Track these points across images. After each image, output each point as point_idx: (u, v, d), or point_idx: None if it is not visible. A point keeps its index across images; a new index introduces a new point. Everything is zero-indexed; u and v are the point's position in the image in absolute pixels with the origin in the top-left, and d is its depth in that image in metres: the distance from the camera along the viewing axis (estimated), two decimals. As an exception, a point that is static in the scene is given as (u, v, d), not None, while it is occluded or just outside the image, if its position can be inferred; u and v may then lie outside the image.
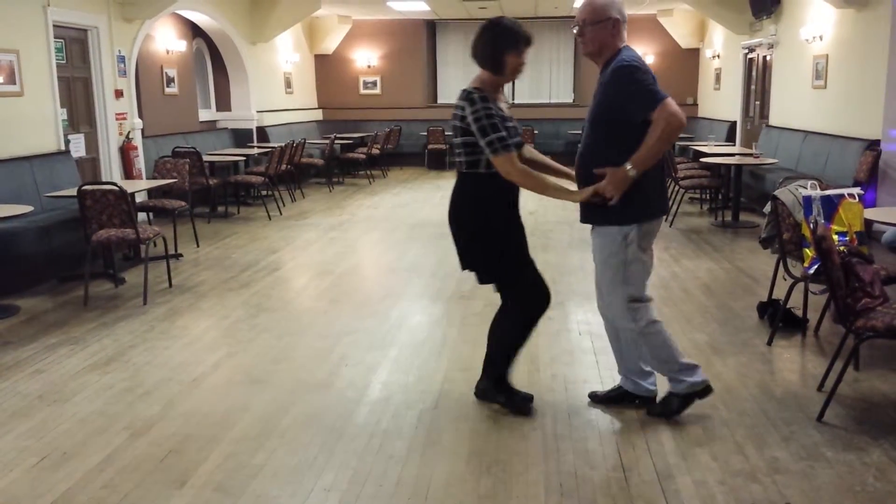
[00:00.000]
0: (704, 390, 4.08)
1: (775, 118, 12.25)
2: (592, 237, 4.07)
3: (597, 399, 4.34)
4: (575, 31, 3.91)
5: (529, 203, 11.68)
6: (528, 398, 4.29)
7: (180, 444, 3.89)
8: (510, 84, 17.99)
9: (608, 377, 4.71)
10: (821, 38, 10.38)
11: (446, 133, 16.64)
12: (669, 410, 4.10)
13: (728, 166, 10.14)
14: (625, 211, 3.81)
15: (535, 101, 18.17)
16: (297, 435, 3.99)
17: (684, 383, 4.05)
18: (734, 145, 13.55)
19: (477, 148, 3.88)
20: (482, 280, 4.25)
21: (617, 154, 3.72)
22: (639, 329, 3.99)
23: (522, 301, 4.21)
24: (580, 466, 3.62)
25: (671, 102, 3.67)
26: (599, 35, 3.81)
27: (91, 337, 5.64)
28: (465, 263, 4.18)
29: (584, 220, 4.09)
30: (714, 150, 11.43)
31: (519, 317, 4.23)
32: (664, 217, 4.10)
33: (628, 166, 3.68)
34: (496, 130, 3.80)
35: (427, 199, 12.48)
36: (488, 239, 4.08)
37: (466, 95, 3.87)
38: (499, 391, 4.29)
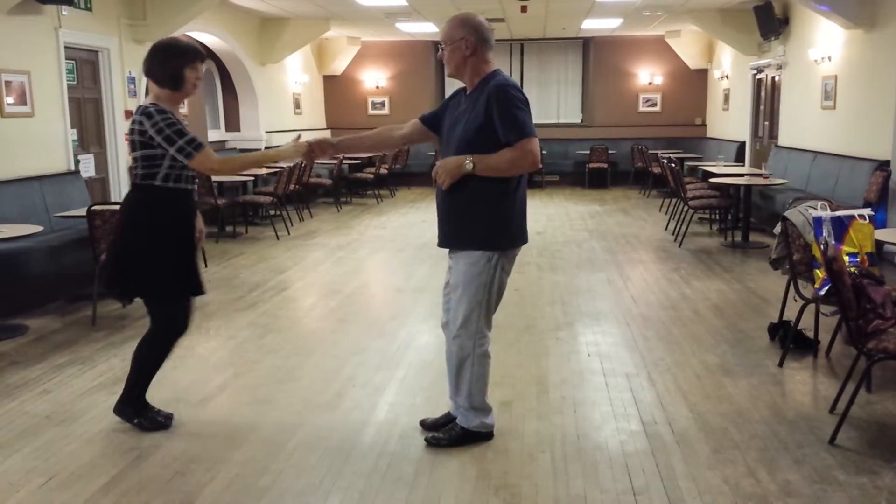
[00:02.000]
0: (488, 435, 4.10)
1: (784, 139, 12.24)
2: (455, 260, 3.97)
3: (426, 426, 4.23)
4: (437, 55, 4.03)
5: (538, 224, 11.74)
6: (168, 415, 4.37)
7: (186, 466, 3.87)
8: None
9: (618, 399, 4.68)
10: (829, 58, 10.38)
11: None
12: (451, 439, 4.05)
13: (737, 187, 10.12)
14: (491, 238, 3.81)
15: (543, 122, 18.19)
16: (304, 456, 3.97)
17: (478, 422, 4.04)
18: (743, 166, 13.54)
19: (154, 161, 4.03)
20: (130, 294, 4.39)
21: (480, 179, 3.76)
22: (476, 354, 3.94)
23: (169, 322, 4.31)
24: (589, 489, 3.58)
25: (536, 143, 3.73)
26: (454, 56, 3.87)
27: (99, 357, 5.63)
28: (118, 275, 4.22)
29: (443, 244, 4.05)
30: (723, 170, 11.41)
31: (160, 338, 4.32)
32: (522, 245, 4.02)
33: (469, 159, 3.71)
34: (182, 135, 3.99)
35: (435, 219, 12.47)
36: (158, 252, 4.15)
37: (143, 111, 4.01)
38: (136, 412, 4.34)
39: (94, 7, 9.08)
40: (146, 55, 4.14)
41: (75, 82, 9.00)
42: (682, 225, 10.17)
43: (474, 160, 3.70)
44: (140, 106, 4.08)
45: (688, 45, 16.81)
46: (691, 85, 17.57)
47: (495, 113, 3.70)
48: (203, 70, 4.22)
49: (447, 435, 4.07)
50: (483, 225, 3.80)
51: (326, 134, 17.83)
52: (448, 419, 4.20)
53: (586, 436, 4.18)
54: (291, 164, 11.96)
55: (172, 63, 4.07)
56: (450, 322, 3.98)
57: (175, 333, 4.31)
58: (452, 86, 20.21)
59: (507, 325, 6.36)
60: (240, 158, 4.43)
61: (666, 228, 11.11)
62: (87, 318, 6.58)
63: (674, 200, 11.62)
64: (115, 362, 5.50)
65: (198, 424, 4.40)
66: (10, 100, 7.67)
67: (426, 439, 4.09)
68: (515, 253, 3.96)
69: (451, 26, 3.91)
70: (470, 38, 3.82)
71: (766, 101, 13.40)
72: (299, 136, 4.30)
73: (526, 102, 3.78)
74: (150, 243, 4.12)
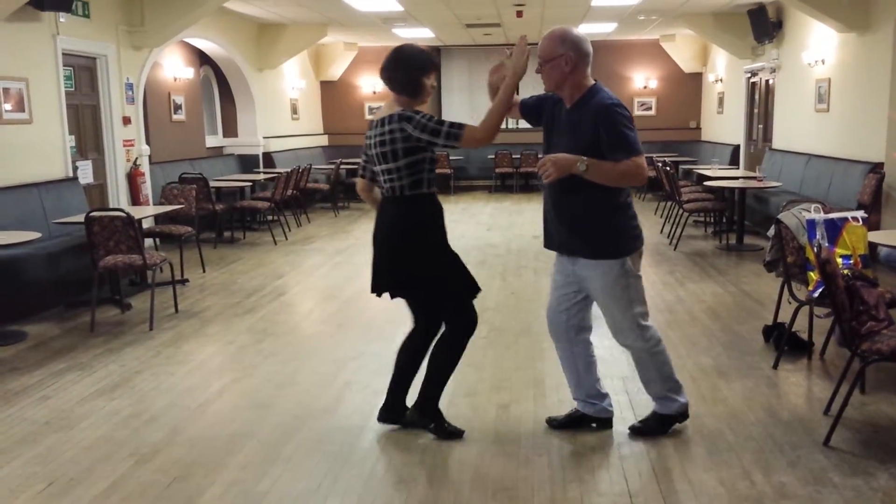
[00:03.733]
0: (685, 413, 4.23)
1: (778, 141, 12.29)
2: (585, 270, 4.00)
3: (555, 424, 4.33)
4: (535, 70, 4.03)
5: (534, 227, 11.75)
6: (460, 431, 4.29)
7: (186, 471, 3.89)
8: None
9: (614, 401, 4.68)
10: (823, 62, 10.43)
11: (450, 157, 16.72)
12: (652, 430, 4.19)
13: (732, 189, 10.16)
14: (620, 247, 3.91)
15: (539, 127, 18.17)
16: (302, 461, 3.99)
17: (676, 403, 4.16)
18: (738, 168, 13.58)
19: (420, 167, 3.98)
20: (417, 302, 4.29)
21: (595, 187, 3.79)
22: (648, 348, 4.05)
23: (462, 323, 4.20)
24: (586, 493, 3.61)
25: (644, 160, 3.81)
26: (553, 73, 3.92)
27: (97, 363, 5.65)
28: (403, 286, 4.18)
29: (563, 251, 4.09)
30: (718, 173, 11.45)
31: (460, 341, 4.23)
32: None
33: (583, 161, 3.72)
34: (443, 122, 3.97)
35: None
36: (445, 258, 4.13)
37: (400, 117, 3.98)
38: (430, 417, 4.30)
39: (92, 14, 9.11)
40: (387, 62, 4.15)
41: (73, 89, 9.01)
42: (677, 228, 10.20)
43: (588, 163, 3.71)
44: (389, 116, 4.02)
45: (682, 49, 16.86)
46: (686, 88, 17.62)
47: (603, 132, 3.74)
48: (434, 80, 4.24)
49: (646, 426, 4.21)
50: (611, 235, 3.89)
51: (324, 139, 17.88)
52: (575, 415, 4.30)
53: (583, 439, 4.20)
54: (289, 170, 12.00)
55: (413, 73, 4.10)
56: (609, 330, 4.12)
57: (473, 328, 4.21)
58: (449, 91, 20.13)
59: (504, 328, 6.39)
60: (493, 112, 4.20)
61: (661, 231, 11.14)
62: (86, 325, 6.60)
63: (669, 203, 11.66)
64: (114, 368, 5.52)
65: (197, 429, 4.42)
66: (7, 106, 7.69)
67: (632, 429, 4.24)
68: (642, 250, 4.04)
69: (549, 43, 3.93)
70: (570, 54, 3.84)
71: (761, 104, 13.44)
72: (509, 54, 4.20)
73: (631, 120, 3.79)
74: (438, 251, 4.11)
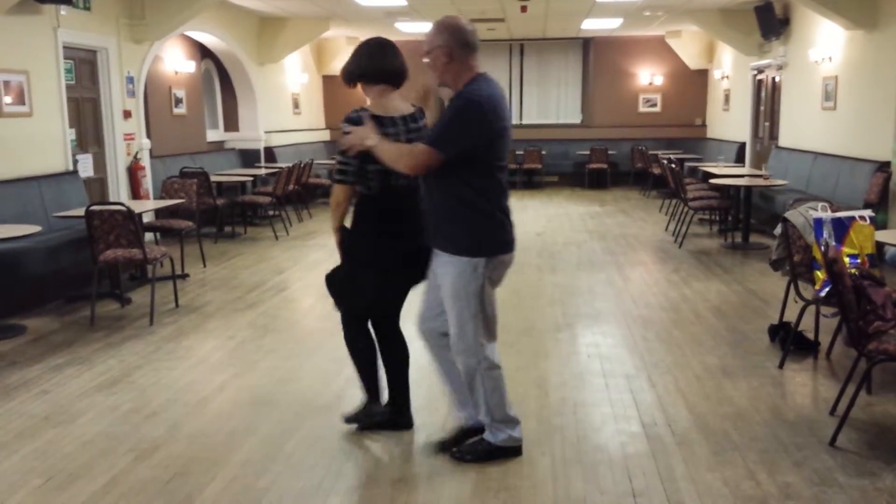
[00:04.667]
0: (515, 449, 3.92)
1: (785, 139, 12.23)
2: (439, 266, 3.77)
3: (445, 447, 4.00)
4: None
5: (537, 224, 11.73)
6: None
7: (185, 467, 3.86)
8: (517, 104, 18.07)
9: (618, 400, 4.67)
10: (830, 59, 10.37)
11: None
12: (476, 454, 3.88)
13: (738, 188, 10.11)
14: (472, 245, 3.64)
15: (542, 122, 18.19)
16: (303, 458, 3.96)
17: (505, 434, 3.88)
18: (744, 166, 13.53)
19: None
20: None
21: (452, 181, 3.62)
22: (480, 369, 3.75)
23: None
24: (590, 492, 3.57)
25: (435, 157, 3.52)
26: (435, 65, 3.69)
27: (97, 357, 5.62)
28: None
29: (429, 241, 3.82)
30: (723, 171, 11.40)
31: None
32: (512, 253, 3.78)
33: (374, 137, 3.68)
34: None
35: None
36: None
37: (423, 113, 3.93)
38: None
39: (93, 7, 9.06)
40: (399, 59, 3.99)
41: (74, 82, 8.98)
42: (682, 226, 10.15)
43: (379, 140, 3.67)
44: (420, 109, 4.00)
45: (688, 46, 16.79)
46: (691, 85, 17.56)
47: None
48: None
49: (472, 450, 3.90)
50: (465, 232, 3.62)
51: (326, 134, 17.83)
52: (461, 433, 4.04)
53: (586, 437, 4.17)
54: (290, 165, 11.97)
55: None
56: (449, 336, 3.81)
57: None
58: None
59: (506, 326, 6.33)
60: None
61: (666, 229, 11.10)
62: (86, 319, 6.57)
63: (674, 201, 11.61)
64: (114, 363, 5.48)
65: (197, 425, 4.39)
66: (8, 99, 7.65)
67: (451, 453, 3.92)
68: (503, 262, 3.74)
69: (429, 34, 3.72)
70: (447, 44, 3.61)
71: (767, 101, 13.39)
72: None
73: (470, 119, 3.53)
74: None
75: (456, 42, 3.61)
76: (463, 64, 3.64)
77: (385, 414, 4.26)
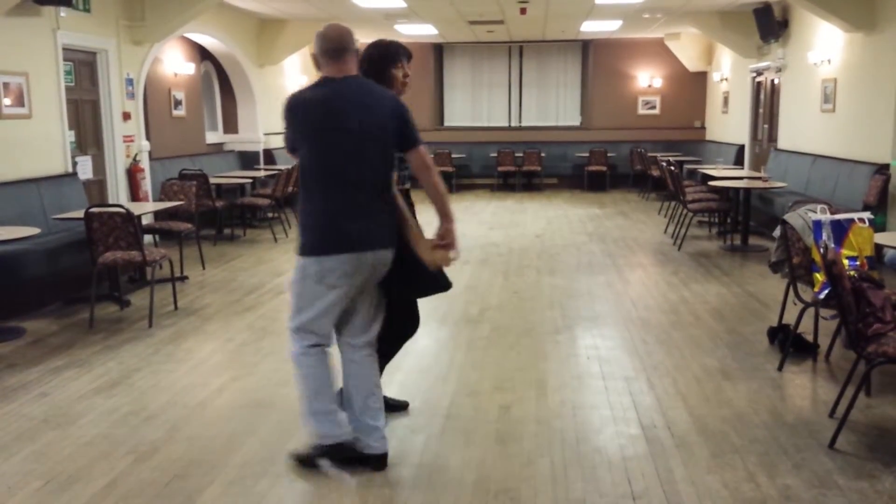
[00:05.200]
0: (321, 451, 3.78)
1: (784, 142, 12.24)
2: None
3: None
4: None
5: (536, 226, 11.72)
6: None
7: (185, 469, 3.85)
8: (516, 106, 18.08)
9: (617, 403, 4.67)
10: (829, 61, 10.38)
11: (453, 155, 16.66)
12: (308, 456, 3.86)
13: (737, 190, 10.11)
14: (300, 244, 3.73)
15: (542, 124, 18.20)
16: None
17: (315, 434, 3.81)
18: (743, 169, 13.53)
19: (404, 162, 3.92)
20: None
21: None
22: (293, 359, 3.80)
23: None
24: (589, 493, 3.57)
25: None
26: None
27: (96, 360, 5.61)
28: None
29: None
30: (722, 173, 11.40)
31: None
32: (351, 254, 3.65)
33: None
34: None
35: (432, 221, 12.44)
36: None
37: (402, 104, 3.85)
38: None
39: (93, 8, 9.07)
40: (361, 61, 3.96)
41: (73, 84, 8.98)
42: (681, 228, 10.16)
43: None
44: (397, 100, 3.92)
45: (687, 48, 16.81)
46: (690, 88, 17.58)
47: None
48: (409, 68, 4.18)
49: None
50: (302, 229, 3.75)
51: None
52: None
53: (586, 440, 4.16)
54: (289, 167, 11.96)
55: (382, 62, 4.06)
56: None
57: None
58: (451, 88, 20.20)
59: (506, 328, 6.35)
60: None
61: (665, 232, 11.10)
62: (85, 321, 6.57)
63: (673, 203, 11.61)
64: (113, 365, 5.48)
65: (196, 427, 4.38)
66: (7, 101, 7.65)
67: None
68: (333, 265, 3.62)
69: None
70: (315, 52, 3.74)
71: (766, 103, 13.39)
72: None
73: (285, 121, 3.75)
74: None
75: (318, 50, 3.72)
76: (323, 69, 3.73)
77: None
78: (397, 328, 4.22)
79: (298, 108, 3.68)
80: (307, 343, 3.76)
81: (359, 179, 3.63)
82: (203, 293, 7.71)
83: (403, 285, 3.96)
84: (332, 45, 3.68)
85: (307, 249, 3.69)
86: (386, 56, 4.09)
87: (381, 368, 4.15)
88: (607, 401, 4.72)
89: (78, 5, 8.68)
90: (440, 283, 4.07)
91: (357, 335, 3.86)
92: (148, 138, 10.53)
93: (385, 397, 4.12)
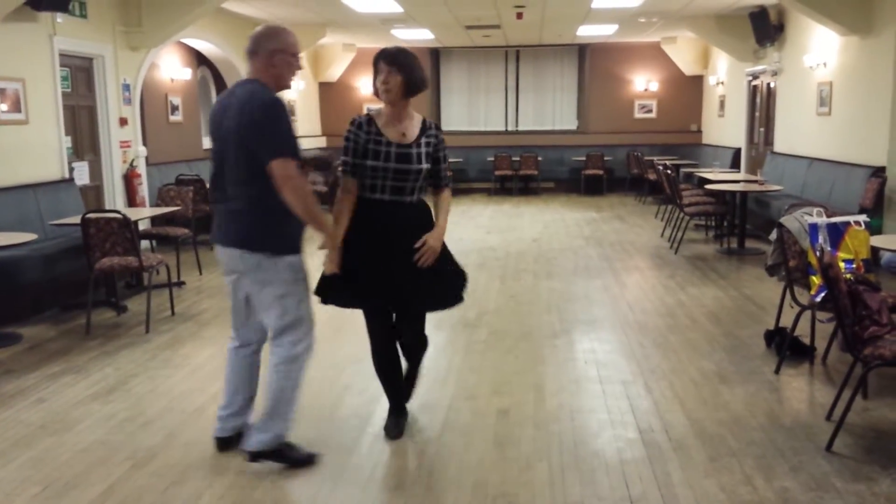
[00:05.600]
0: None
1: (780, 145, 12.26)
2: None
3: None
4: None
5: (533, 230, 11.73)
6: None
7: (182, 475, 3.85)
8: (513, 110, 18.12)
9: (615, 406, 4.67)
10: (825, 65, 10.40)
11: (449, 160, 16.62)
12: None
13: (733, 193, 10.13)
14: None
15: (538, 128, 18.22)
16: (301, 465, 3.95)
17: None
18: (739, 172, 13.55)
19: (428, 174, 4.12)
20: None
21: None
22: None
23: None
24: (587, 497, 3.57)
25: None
26: None
27: (93, 366, 5.61)
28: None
29: None
30: (719, 176, 11.42)
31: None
32: (219, 246, 3.88)
33: None
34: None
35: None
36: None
37: (436, 125, 4.16)
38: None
39: (89, 14, 9.07)
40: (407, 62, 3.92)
41: (70, 90, 8.98)
42: (678, 232, 10.17)
43: None
44: (429, 120, 4.14)
45: (683, 52, 16.84)
46: (687, 91, 17.60)
47: None
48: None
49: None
50: None
51: (322, 141, 17.87)
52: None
53: (583, 443, 4.17)
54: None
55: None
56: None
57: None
58: (448, 93, 20.16)
59: (503, 332, 6.35)
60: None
61: (662, 235, 11.12)
62: (82, 327, 6.56)
63: (670, 207, 11.63)
64: (110, 371, 5.47)
65: (193, 433, 4.37)
66: (4, 107, 7.65)
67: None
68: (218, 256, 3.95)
69: None
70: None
71: (762, 107, 13.42)
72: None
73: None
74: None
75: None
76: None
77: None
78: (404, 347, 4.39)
79: (211, 113, 3.88)
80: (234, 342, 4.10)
81: (226, 179, 3.74)
82: (200, 298, 7.70)
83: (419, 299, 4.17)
84: (247, 48, 3.74)
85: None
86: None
87: (407, 392, 4.43)
88: (605, 404, 4.72)
89: (74, 11, 8.68)
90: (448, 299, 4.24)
91: (250, 333, 4.09)
92: (145, 144, 10.53)
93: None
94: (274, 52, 3.67)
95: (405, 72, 3.89)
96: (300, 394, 3.93)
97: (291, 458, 3.91)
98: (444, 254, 4.10)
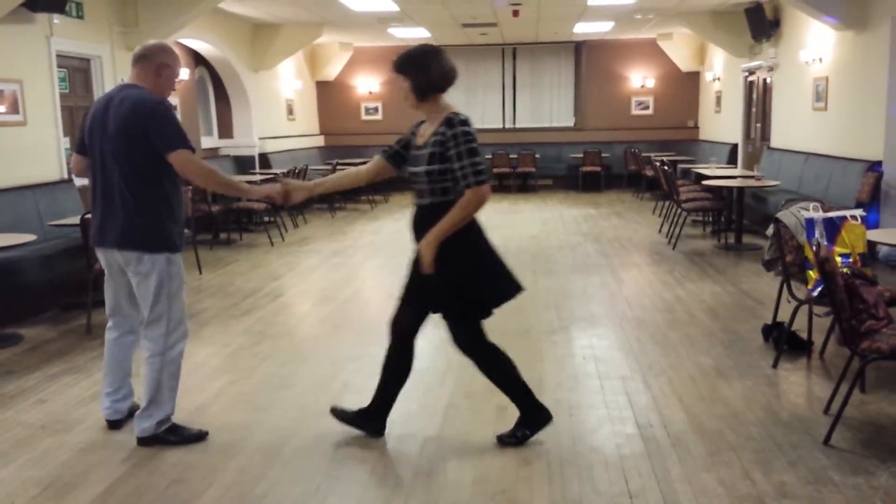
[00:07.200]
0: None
1: (777, 140, 12.27)
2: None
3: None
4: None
5: (531, 228, 11.74)
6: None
7: (182, 474, 3.86)
8: (510, 107, 18.11)
9: (613, 402, 4.69)
10: (820, 60, 10.42)
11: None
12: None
13: (730, 189, 10.15)
14: None
15: (535, 125, 18.23)
16: (300, 463, 3.97)
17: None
18: (736, 167, 13.57)
19: (448, 175, 3.83)
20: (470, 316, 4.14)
21: None
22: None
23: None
24: (586, 493, 3.59)
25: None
26: None
27: (93, 366, 5.62)
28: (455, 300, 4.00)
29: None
30: (716, 172, 11.44)
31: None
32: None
33: None
34: (475, 154, 3.83)
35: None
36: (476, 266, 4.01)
37: (460, 120, 3.81)
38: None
39: (86, 15, 9.07)
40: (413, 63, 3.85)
41: (68, 90, 8.98)
42: (675, 227, 10.18)
43: None
44: (452, 115, 3.83)
45: (679, 48, 16.85)
46: (683, 87, 17.62)
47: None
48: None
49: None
50: None
51: (320, 140, 17.87)
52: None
53: (582, 439, 4.18)
54: (286, 170, 11.98)
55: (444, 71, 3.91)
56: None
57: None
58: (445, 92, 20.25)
59: (501, 329, 6.34)
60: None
61: (660, 231, 11.13)
62: (82, 327, 6.57)
63: (667, 203, 11.65)
64: (110, 371, 5.47)
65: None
66: (2, 108, 7.65)
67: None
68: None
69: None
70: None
71: (758, 102, 13.43)
72: (278, 179, 4.25)
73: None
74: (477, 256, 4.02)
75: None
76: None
77: (364, 419, 4.30)
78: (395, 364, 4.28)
79: (89, 109, 4.20)
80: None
81: (107, 179, 4.07)
82: (200, 298, 7.71)
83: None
84: (137, 53, 4.14)
85: None
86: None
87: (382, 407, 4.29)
88: (603, 400, 4.74)
89: (71, 12, 8.69)
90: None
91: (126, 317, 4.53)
92: (142, 144, 10.52)
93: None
94: (163, 65, 4.12)
95: (410, 76, 3.84)
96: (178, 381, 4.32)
97: (180, 439, 4.23)
98: (441, 270, 3.87)
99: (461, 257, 3.89)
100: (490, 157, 17.10)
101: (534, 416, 4.14)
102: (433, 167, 3.81)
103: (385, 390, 4.23)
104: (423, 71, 3.84)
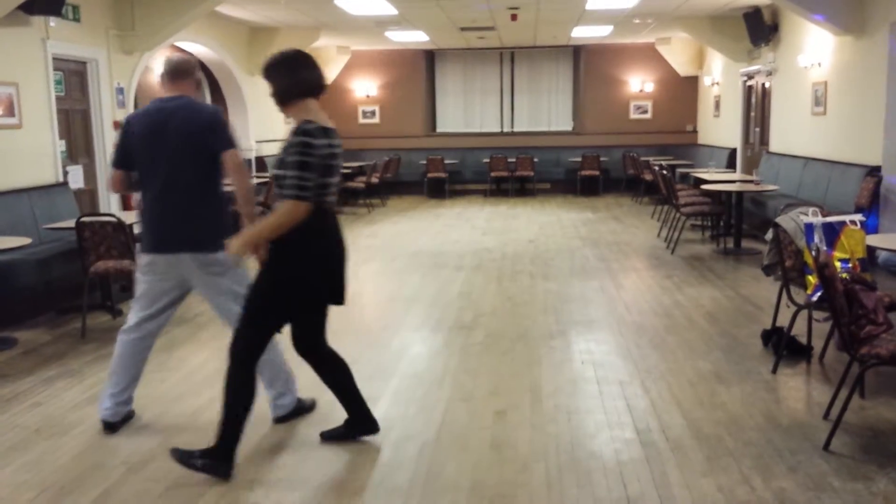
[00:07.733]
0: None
1: (775, 145, 12.27)
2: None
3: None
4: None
5: (529, 232, 11.73)
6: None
7: (178, 480, 3.83)
8: (508, 111, 18.11)
9: (612, 407, 4.66)
10: (819, 64, 10.42)
11: (445, 161, 16.67)
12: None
13: (729, 193, 10.13)
14: None
15: (534, 130, 18.23)
16: (297, 468, 3.94)
17: None
18: (735, 172, 13.56)
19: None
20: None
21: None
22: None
23: None
24: (584, 498, 3.56)
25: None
26: None
27: (89, 369, 5.59)
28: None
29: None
30: (715, 177, 11.43)
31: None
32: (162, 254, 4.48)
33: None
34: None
35: (426, 227, 12.44)
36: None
37: (304, 130, 3.78)
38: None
39: (83, 18, 9.06)
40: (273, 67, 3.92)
41: (63, 93, 8.96)
42: (674, 232, 10.17)
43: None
44: (304, 123, 3.83)
45: (678, 53, 16.86)
46: (682, 92, 17.62)
47: None
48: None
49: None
50: None
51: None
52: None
53: (580, 444, 4.16)
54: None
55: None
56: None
57: None
58: (443, 95, 20.17)
59: (500, 333, 6.34)
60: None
61: (658, 235, 11.12)
62: (77, 331, 6.54)
63: (666, 207, 11.63)
64: (105, 375, 5.42)
65: (189, 437, 4.35)
66: (-2, 111, 7.65)
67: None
68: (149, 259, 4.53)
69: None
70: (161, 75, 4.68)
71: (757, 107, 13.43)
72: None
73: (121, 133, 4.49)
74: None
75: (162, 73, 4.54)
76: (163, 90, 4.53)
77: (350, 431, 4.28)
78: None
79: (129, 122, 4.41)
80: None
81: (173, 187, 4.37)
82: (196, 301, 7.64)
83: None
84: (174, 69, 4.45)
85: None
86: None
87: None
88: (602, 405, 4.71)
89: (68, 15, 8.67)
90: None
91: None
92: (139, 147, 10.50)
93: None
94: (198, 79, 4.63)
95: (271, 81, 3.93)
96: None
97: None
98: (264, 273, 3.93)
99: (282, 269, 3.87)
100: (488, 160, 17.10)
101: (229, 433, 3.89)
102: (278, 171, 3.75)
103: (344, 395, 4.24)
104: (284, 77, 3.88)
